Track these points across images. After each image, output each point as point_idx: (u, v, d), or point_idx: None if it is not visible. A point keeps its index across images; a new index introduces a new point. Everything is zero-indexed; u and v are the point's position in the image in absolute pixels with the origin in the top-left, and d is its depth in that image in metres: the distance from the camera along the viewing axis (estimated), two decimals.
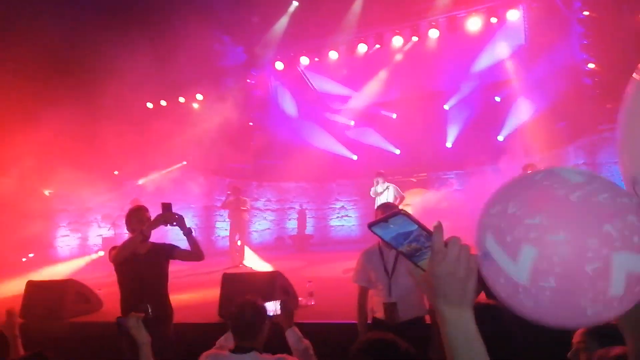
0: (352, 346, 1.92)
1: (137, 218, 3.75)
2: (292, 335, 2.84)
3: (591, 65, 10.71)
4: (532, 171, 0.98)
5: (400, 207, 9.31)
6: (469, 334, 0.83)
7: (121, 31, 11.01)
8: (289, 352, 2.73)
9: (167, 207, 3.63)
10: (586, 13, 10.73)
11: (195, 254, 3.80)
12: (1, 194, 11.84)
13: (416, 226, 0.87)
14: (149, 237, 3.62)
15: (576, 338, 1.97)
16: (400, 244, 0.88)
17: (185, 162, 12.89)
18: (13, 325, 2.90)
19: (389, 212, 0.90)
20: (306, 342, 2.84)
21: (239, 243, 9.75)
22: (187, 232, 3.72)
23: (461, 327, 0.83)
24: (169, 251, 3.73)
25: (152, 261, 3.65)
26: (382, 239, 0.89)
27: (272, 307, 2.89)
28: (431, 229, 0.87)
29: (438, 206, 10.39)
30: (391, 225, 0.88)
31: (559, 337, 2.17)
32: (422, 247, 0.87)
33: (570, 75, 11.13)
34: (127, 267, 3.60)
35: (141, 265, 3.59)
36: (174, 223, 3.58)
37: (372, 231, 0.90)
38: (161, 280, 3.73)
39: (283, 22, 13.78)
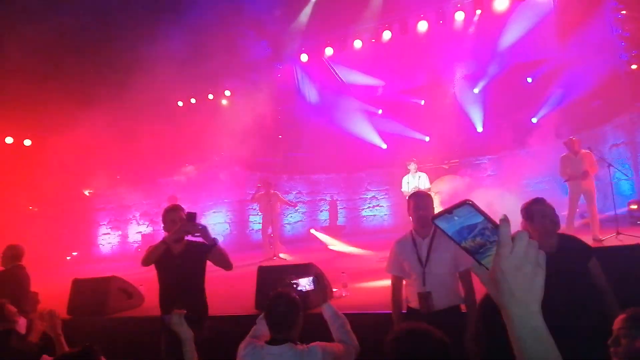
0: (386, 336, 1.93)
1: (170, 218, 3.80)
2: (328, 310, 2.85)
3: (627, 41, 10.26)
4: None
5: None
6: (537, 330, 0.82)
7: (149, 32, 11.25)
8: (324, 339, 2.76)
9: (191, 217, 3.63)
10: None
11: (223, 263, 3.75)
12: (44, 194, 12.38)
13: (482, 218, 0.84)
14: (181, 239, 3.70)
15: (617, 324, 1.94)
16: (464, 238, 0.85)
17: (216, 158, 13.11)
18: (56, 325, 3.03)
19: (455, 202, 0.86)
20: (342, 316, 2.85)
21: (272, 235, 9.89)
22: (212, 244, 3.63)
23: (529, 324, 0.82)
24: (204, 252, 3.72)
25: (186, 260, 3.71)
26: (445, 234, 0.86)
27: (306, 283, 2.93)
28: (497, 222, 0.84)
29: (469, 192, 10.21)
30: (455, 217, 0.85)
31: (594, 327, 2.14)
32: (486, 242, 0.84)
33: (605, 52, 10.70)
34: (161, 266, 3.72)
35: (176, 264, 3.67)
36: (197, 234, 3.56)
37: (435, 225, 0.86)
38: (196, 278, 3.78)
39: (306, 13, 13.76)
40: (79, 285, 5.81)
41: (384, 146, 14.44)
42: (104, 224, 14.02)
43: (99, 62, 11.55)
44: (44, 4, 10.60)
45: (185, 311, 2.64)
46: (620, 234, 6.51)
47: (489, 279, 0.85)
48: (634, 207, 8.68)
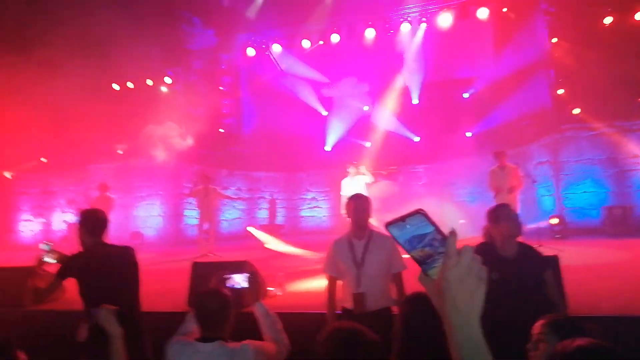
0: (319, 335, 1.95)
1: (90, 228, 3.32)
2: (260, 309, 2.81)
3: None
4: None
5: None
6: (474, 339, 0.86)
7: (89, 7, 10.66)
8: (257, 338, 2.74)
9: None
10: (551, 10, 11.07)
11: None
12: None
13: (432, 228, 0.87)
14: None
15: (536, 329, 2.06)
16: (414, 247, 0.88)
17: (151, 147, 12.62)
18: None
19: (409, 211, 0.89)
20: (274, 315, 2.82)
21: (208, 231, 9.68)
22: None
23: (468, 332, 0.86)
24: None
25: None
26: (396, 241, 0.89)
27: (240, 280, 2.87)
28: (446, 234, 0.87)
29: (402, 200, 10.60)
30: (407, 225, 0.87)
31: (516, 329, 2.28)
32: (434, 252, 0.87)
33: (535, 75, 11.46)
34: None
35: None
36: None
37: (388, 231, 0.89)
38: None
39: (256, 6, 13.60)
40: None
41: (328, 148, 14.57)
42: (26, 210, 13.09)
43: (29, 36, 10.78)
44: None
45: (116, 307, 2.52)
46: (542, 245, 6.99)
47: (433, 288, 0.89)
48: (555, 221, 9.38)
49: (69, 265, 3.37)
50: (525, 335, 2.09)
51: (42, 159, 12.48)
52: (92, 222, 3.39)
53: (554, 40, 11.18)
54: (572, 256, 6.43)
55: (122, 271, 3.44)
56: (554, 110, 11.00)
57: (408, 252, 0.89)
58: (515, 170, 8.03)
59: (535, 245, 3.35)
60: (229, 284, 2.85)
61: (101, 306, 2.48)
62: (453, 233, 0.86)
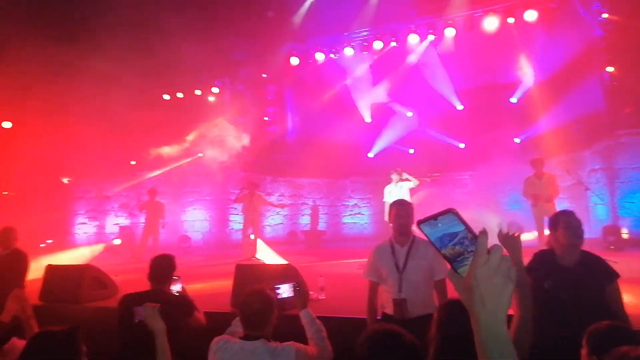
0: (358, 337, 1.96)
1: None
2: (306, 316, 2.90)
3: (610, 69, 10.56)
4: None
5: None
6: (500, 336, 0.88)
7: (137, 21, 11.15)
8: (299, 341, 2.80)
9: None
10: (605, 15, 10.59)
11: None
12: (21, 180, 12.15)
13: (463, 227, 0.89)
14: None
15: (594, 335, 2.02)
16: (445, 245, 0.90)
17: (200, 154, 13.04)
18: (25, 308, 2.99)
19: (441, 210, 0.92)
20: (319, 322, 2.89)
21: (252, 237, 9.87)
22: None
23: (494, 329, 0.88)
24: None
25: None
26: (428, 239, 0.92)
27: (287, 290, 2.97)
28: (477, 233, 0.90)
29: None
30: (439, 224, 0.90)
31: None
32: (464, 251, 0.90)
33: (589, 78, 11.00)
34: None
35: None
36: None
37: (420, 229, 0.92)
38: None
39: (299, 16, 13.83)
40: (52, 272, 5.73)
41: (371, 155, 14.55)
42: (81, 214, 13.80)
43: (87, 48, 11.39)
44: None
45: (159, 305, 2.64)
46: None
47: (462, 285, 0.91)
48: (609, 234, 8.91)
49: None
50: (575, 345, 2.04)
51: (132, 162, 13.02)
52: None
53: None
54: (626, 268, 6.11)
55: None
56: (608, 114, 10.51)
57: (439, 249, 0.91)
58: (553, 178, 7.76)
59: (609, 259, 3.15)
60: (276, 292, 2.94)
61: (145, 304, 2.61)
62: (483, 232, 0.89)
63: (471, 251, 0.89)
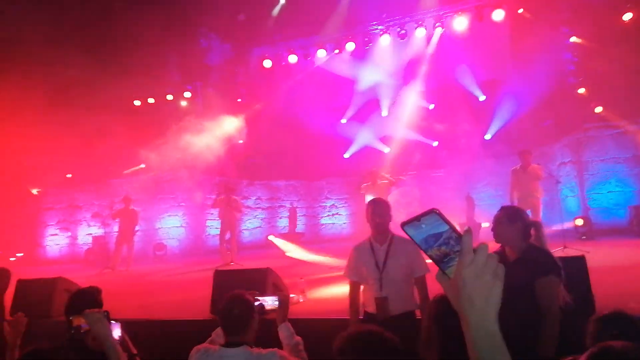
0: (338, 337, 1.91)
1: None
2: (285, 330, 2.88)
3: (581, 91, 10.90)
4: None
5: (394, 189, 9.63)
6: (492, 336, 0.86)
7: (105, 25, 10.93)
8: (281, 347, 2.76)
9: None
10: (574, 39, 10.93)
11: None
12: None
13: (447, 227, 0.88)
14: None
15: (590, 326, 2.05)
16: (430, 246, 0.89)
17: (143, 165, 12.74)
18: (17, 334, 2.82)
19: (423, 211, 0.91)
20: (297, 338, 2.87)
21: (230, 241, 9.79)
22: None
23: (485, 329, 0.86)
24: None
25: None
26: (413, 240, 0.90)
27: (270, 302, 2.93)
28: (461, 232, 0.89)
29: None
30: (423, 225, 0.89)
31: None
32: (450, 251, 0.88)
33: (556, 75, 11.29)
34: None
35: None
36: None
37: (404, 230, 0.90)
38: None
39: (273, 15, 13.78)
40: (23, 286, 5.54)
41: (347, 155, 14.58)
42: (52, 225, 13.41)
43: (51, 62, 11.10)
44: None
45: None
46: (567, 247, 6.83)
47: (450, 286, 0.90)
48: (580, 222, 9.17)
49: None
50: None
51: (68, 175, 12.76)
52: None
53: (573, 38, 11.03)
54: (598, 257, 6.28)
55: None
56: (575, 109, 10.80)
57: (425, 251, 0.90)
58: (538, 170, 7.89)
59: (560, 248, 3.17)
60: (259, 304, 2.89)
61: (85, 311, 2.41)
62: (468, 231, 0.88)
63: (457, 251, 0.88)
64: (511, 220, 2.99)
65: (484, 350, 0.86)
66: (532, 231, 3.05)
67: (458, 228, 0.91)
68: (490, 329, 0.86)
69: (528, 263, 2.90)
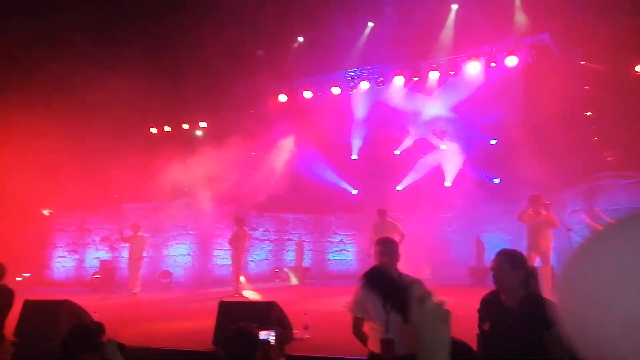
0: None
1: None
2: None
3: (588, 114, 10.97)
4: None
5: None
6: None
7: (123, 54, 11.27)
8: None
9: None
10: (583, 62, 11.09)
11: None
12: None
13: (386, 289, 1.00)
14: None
15: None
16: (389, 311, 1.00)
17: (185, 188, 12.93)
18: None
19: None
20: None
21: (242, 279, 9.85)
22: None
23: None
24: None
25: None
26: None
27: (266, 337, 2.92)
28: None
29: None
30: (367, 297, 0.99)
31: None
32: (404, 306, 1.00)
33: (569, 122, 11.34)
34: None
35: None
36: None
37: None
38: None
39: (289, 54, 14.18)
40: (29, 307, 5.55)
41: (354, 191, 14.62)
42: (61, 247, 13.49)
43: (65, 77, 11.42)
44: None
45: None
46: None
47: (406, 331, 1.04)
48: None
49: None
50: None
51: (116, 195, 12.84)
52: None
53: (586, 87, 11.17)
54: None
55: None
56: (588, 157, 10.81)
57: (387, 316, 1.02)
58: (549, 214, 7.83)
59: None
60: (264, 340, 2.89)
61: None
62: (415, 282, 1.01)
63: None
64: (514, 266, 2.87)
65: None
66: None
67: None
68: None
69: (532, 314, 2.77)
